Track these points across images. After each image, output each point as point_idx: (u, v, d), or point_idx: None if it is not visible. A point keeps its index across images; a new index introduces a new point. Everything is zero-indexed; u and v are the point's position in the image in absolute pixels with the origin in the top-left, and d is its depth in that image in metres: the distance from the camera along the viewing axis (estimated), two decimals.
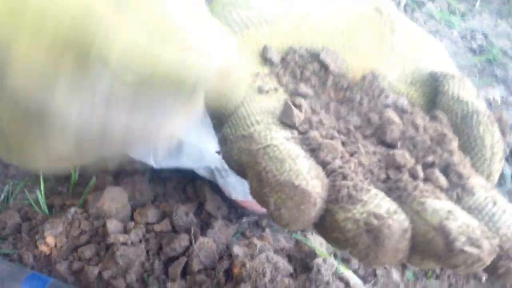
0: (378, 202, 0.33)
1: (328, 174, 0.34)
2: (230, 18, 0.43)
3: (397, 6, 1.34)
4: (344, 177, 0.34)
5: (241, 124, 0.37)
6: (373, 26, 0.45)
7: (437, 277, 0.77)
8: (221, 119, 0.39)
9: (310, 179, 0.33)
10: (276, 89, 0.40)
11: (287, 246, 0.78)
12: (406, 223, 0.32)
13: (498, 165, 0.40)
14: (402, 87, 0.45)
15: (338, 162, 0.35)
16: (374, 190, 0.34)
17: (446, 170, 0.38)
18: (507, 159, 1.03)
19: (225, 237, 0.79)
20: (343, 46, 0.44)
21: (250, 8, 0.44)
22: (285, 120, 0.37)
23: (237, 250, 0.73)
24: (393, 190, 0.36)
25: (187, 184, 0.88)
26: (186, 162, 0.78)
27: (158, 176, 0.89)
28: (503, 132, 0.41)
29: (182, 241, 0.76)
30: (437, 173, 0.37)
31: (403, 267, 0.77)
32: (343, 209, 0.33)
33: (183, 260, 0.74)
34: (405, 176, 0.36)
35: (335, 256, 0.78)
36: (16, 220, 0.81)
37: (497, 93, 1.15)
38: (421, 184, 0.36)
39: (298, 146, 0.35)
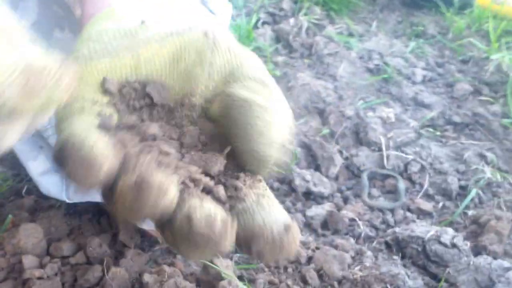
0: (152, 174, 0.43)
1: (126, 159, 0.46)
2: (80, 51, 0.52)
3: (299, 30, 1.42)
4: (136, 158, 0.46)
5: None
6: (197, 50, 0.55)
7: None
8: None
9: (102, 151, 0.43)
10: (111, 115, 0.50)
11: (197, 270, 0.84)
12: (171, 193, 0.44)
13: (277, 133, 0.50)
14: (209, 104, 0.55)
15: (135, 149, 0.47)
16: (160, 173, 0.44)
17: (226, 183, 0.52)
18: (401, 175, 1.11)
19: (138, 266, 0.84)
20: (171, 73, 0.55)
21: (99, 42, 0.53)
22: (103, 126, 0.49)
23: (147, 277, 0.78)
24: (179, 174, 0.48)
25: (102, 216, 0.93)
26: (96, 195, 0.82)
27: (74, 210, 0.93)
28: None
29: (96, 272, 0.80)
30: (219, 187, 0.51)
31: (305, 283, 0.84)
32: (125, 175, 0.44)
33: None
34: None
35: (241, 277, 0.84)
36: None
37: (391, 110, 1.23)
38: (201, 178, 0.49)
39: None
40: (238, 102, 0.51)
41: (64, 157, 0.44)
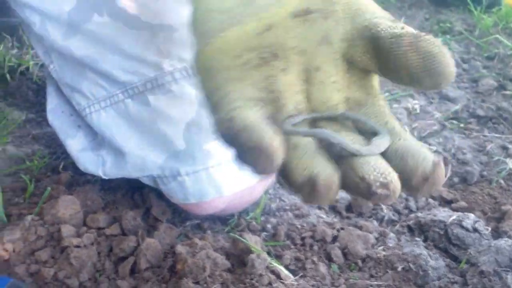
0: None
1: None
2: (207, 24, 0.55)
3: None
4: None
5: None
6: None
7: (360, 269, 0.87)
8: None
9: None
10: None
11: (226, 245, 0.87)
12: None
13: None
14: (345, 45, 0.54)
15: None
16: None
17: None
18: None
19: (169, 239, 0.88)
20: (297, 26, 0.53)
21: (222, 12, 0.54)
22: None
23: (180, 248, 0.81)
24: None
25: (135, 192, 0.97)
26: (130, 171, 0.86)
27: (109, 186, 0.97)
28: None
29: (130, 242, 0.84)
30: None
31: (330, 261, 0.87)
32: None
33: (131, 259, 0.82)
34: None
35: (269, 253, 0.87)
36: None
37: (417, 102, 1.26)
38: None
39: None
40: (406, 39, 0.49)
41: (238, 143, 0.47)
